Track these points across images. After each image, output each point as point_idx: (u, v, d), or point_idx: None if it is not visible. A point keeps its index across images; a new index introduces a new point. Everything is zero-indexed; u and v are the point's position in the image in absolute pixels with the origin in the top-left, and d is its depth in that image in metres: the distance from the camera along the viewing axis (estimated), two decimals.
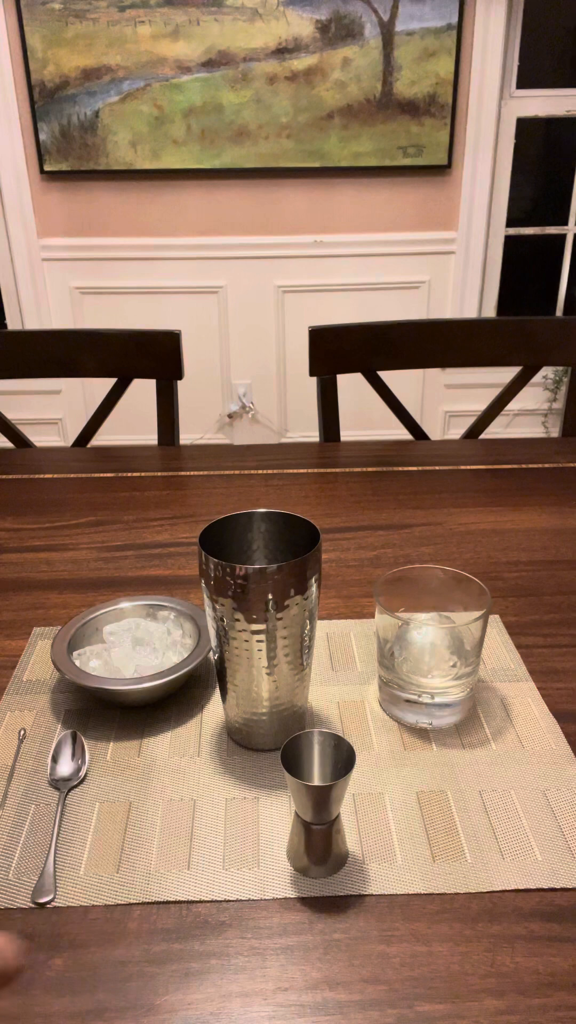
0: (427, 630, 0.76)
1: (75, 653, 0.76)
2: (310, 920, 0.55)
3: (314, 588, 0.64)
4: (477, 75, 2.67)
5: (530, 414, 3.14)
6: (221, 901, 0.56)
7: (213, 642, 0.67)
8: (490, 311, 3.07)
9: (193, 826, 0.62)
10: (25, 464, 1.31)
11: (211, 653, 0.72)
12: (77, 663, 0.74)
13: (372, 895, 0.57)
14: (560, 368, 3.01)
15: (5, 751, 0.70)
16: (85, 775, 0.67)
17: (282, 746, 0.57)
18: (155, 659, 0.75)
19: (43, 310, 2.94)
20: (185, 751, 0.70)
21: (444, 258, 2.93)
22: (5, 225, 2.84)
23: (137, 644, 0.76)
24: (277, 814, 0.63)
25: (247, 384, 3.08)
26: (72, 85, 2.63)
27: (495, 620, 0.87)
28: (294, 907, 0.56)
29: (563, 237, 3.03)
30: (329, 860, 0.58)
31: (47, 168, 2.73)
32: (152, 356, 1.44)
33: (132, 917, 0.55)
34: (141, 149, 2.72)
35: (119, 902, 0.56)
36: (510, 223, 2.95)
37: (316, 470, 1.26)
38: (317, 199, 2.83)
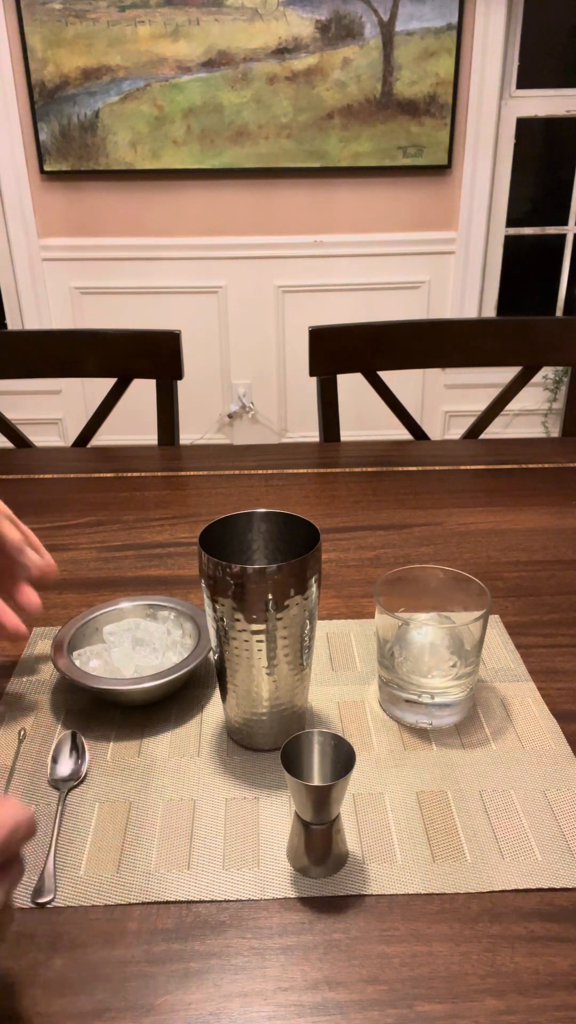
0: (427, 630, 0.76)
1: (75, 653, 0.76)
2: (310, 920, 0.55)
3: (314, 588, 0.64)
4: (477, 75, 2.67)
5: (530, 414, 3.14)
6: (221, 901, 0.56)
7: (213, 642, 0.67)
8: (490, 311, 3.07)
9: (193, 826, 0.62)
10: (25, 464, 1.31)
11: (211, 653, 0.72)
12: (77, 663, 0.74)
13: (372, 895, 0.57)
14: (560, 368, 3.01)
15: (5, 751, 0.70)
16: (85, 775, 0.67)
17: (282, 746, 0.57)
18: (155, 659, 0.75)
19: (43, 310, 2.94)
20: (185, 751, 0.70)
21: (444, 258, 2.93)
22: (5, 225, 2.84)
23: (137, 644, 0.76)
24: (277, 814, 0.63)
25: (247, 384, 3.08)
26: (72, 85, 2.63)
27: (495, 620, 0.87)
28: (294, 907, 0.56)
29: (563, 237, 3.04)
30: (329, 860, 0.58)
31: (47, 168, 2.74)
32: (152, 356, 1.44)
33: (132, 917, 0.55)
34: (141, 149, 2.72)
35: (119, 902, 0.56)
36: (510, 223, 2.95)
37: (316, 470, 1.26)
38: (317, 199, 2.83)
